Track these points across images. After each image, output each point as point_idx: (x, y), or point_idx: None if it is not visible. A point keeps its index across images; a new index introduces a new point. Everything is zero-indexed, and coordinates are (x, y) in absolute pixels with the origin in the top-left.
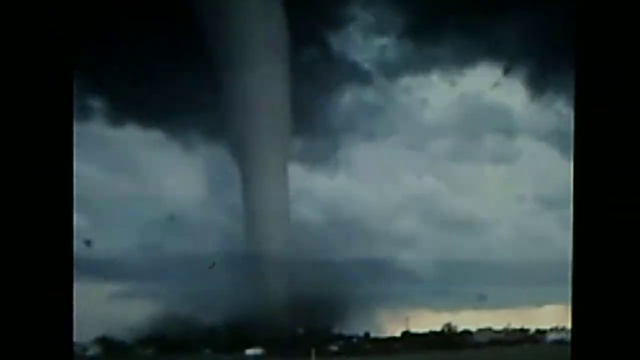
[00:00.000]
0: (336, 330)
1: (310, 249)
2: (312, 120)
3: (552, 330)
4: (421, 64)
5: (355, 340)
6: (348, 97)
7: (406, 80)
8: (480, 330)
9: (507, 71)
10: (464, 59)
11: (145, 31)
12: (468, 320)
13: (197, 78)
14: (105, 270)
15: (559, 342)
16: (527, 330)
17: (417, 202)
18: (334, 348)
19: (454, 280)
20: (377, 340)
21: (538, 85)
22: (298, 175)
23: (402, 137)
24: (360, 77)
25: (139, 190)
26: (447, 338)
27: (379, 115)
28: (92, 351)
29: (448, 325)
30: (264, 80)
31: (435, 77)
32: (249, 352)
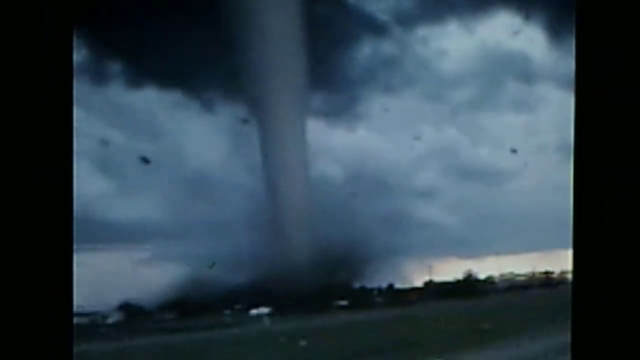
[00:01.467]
0: (358, 284)
1: (331, 204)
2: (329, 74)
3: None
4: (438, 13)
5: (375, 292)
6: (365, 50)
7: (423, 31)
8: (503, 276)
9: (526, 18)
10: (483, 7)
11: None
12: (492, 267)
13: (212, 37)
14: (127, 234)
15: None
16: (551, 273)
17: (438, 153)
18: (343, 303)
19: (477, 230)
20: (399, 291)
21: (558, 31)
22: (317, 130)
23: (421, 88)
24: (377, 28)
25: (159, 151)
26: (470, 285)
27: (396, 66)
28: (114, 318)
29: (469, 272)
30: (278, 35)
31: (453, 27)
32: (253, 312)
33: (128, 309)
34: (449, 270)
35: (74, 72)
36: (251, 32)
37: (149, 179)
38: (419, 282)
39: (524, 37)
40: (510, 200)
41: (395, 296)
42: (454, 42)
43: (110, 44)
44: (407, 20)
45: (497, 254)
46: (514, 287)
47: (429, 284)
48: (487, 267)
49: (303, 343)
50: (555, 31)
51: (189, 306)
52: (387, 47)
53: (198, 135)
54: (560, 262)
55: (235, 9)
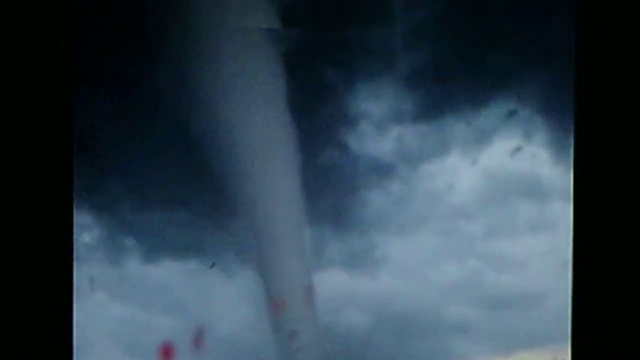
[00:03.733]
0: None
1: (361, 352)
2: (342, 223)
3: None
4: (439, 148)
5: None
6: (374, 193)
7: (428, 167)
8: None
9: (525, 138)
10: (482, 134)
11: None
12: None
13: (217, 203)
14: None
15: None
16: None
17: (463, 286)
18: None
19: None
20: None
21: (559, 145)
22: (338, 281)
23: (435, 225)
24: (383, 170)
25: (182, 330)
26: None
27: (408, 206)
28: None
29: None
30: (283, 195)
31: (455, 158)
32: None
33: None
34: None
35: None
36: (255, 195)
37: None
38: None
39: (526, 155)
40: (543, 321)
41: None
42: (459, 174)
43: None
44: (411, 158)
45: None
46: None
47: None
48: None
49: None
50: (555, 145)
51: None
52: (396, 187)
53: (220, 304)
54: None
55: (232, 165)
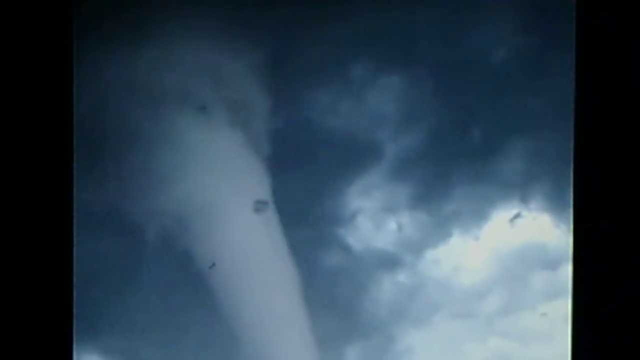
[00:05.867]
0: None
1: None
2: (359, 320)
3: None
4: (437, 232)
5: None
6: (384, 288)
7: (431, 253)
8: None
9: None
10: (478, 209)
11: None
12: None
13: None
14: None
15: None
16: None
17: None
18: None
19: None
20: None
21: (559, 207)
22: None
23: (450, 309)
24: (389, 262)
25: None
26: None
27: (419, 297)
28: None
29: None
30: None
31: (456, 238)
32: None
33: None
34: None
35: None
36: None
37: None
38: None
39: (527, 224)
40: None
41: None
42: (463, 254)
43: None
44: (413, 247)
45: None
46: None
47: None
48: None
49: None
50: (555, 207)
51: None
52: (403, 278)
53: None
54: None
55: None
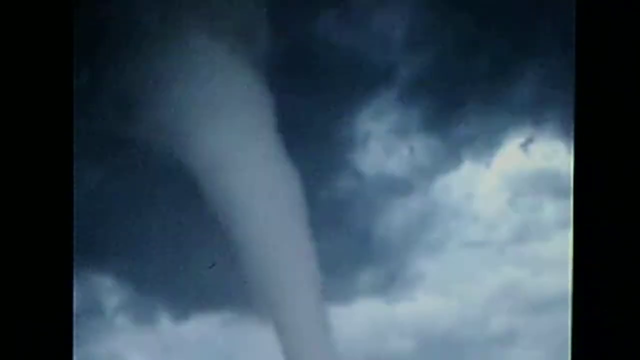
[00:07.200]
0: None
1: None
2: (371, 246)
3: None
4: (450, 156)
5: None
6: (396, 215)
7: (443, 180)
8: None
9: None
10: (489, 134)
11: None
12: None
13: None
14: None
15: None
16: None
17: (502, 294)
18: None
19: None
20: None
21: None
22: (381, 309)
23: (462, 237)
24: (400, 187)
25: None
26: None
27: (431, 222)
28: None
29: None
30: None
31: (468, 165)
32: None
33: None
34: None
35: None
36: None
37: None
38: None
39: (540, 150)
40: None
41: None
42: (474, 181)
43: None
44: (425, 173)
45: None
46: None
47: None
48: None
49: None
50: (568, 132)
51: None
52: (415, 204)
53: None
54: None
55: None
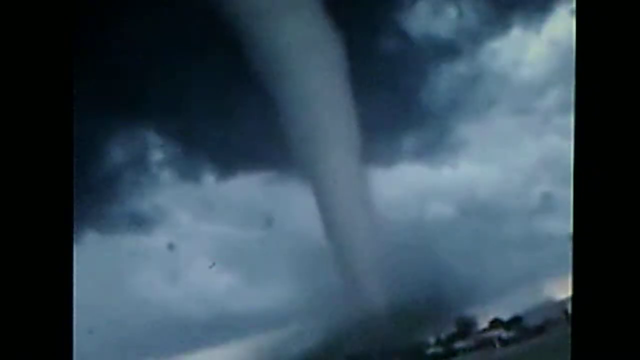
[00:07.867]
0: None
1: (449, 242)
2: (415, 109)
3: None
4: (499, 20)
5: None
6: (442, 77)
7: (492, 44)
8: None
9: None
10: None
11: None
12: None
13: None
14: None
15: None
16: None
17: (545, 165)
18: None
19: None
20: None
21: None
22: (422, 174)
23: (508, 104)
24: (447, 50)
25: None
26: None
27: (476, 87)
28: None
29: None
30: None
31: (517, 31)
32: None
33: None
34: None
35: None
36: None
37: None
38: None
39: None
40: None
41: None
42: (523, 47)
43: None
44: (473, 36)
45: None
46: None
47: None
48: None
49: None
50: None
51: None
52: (462, 69)
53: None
54: None
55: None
